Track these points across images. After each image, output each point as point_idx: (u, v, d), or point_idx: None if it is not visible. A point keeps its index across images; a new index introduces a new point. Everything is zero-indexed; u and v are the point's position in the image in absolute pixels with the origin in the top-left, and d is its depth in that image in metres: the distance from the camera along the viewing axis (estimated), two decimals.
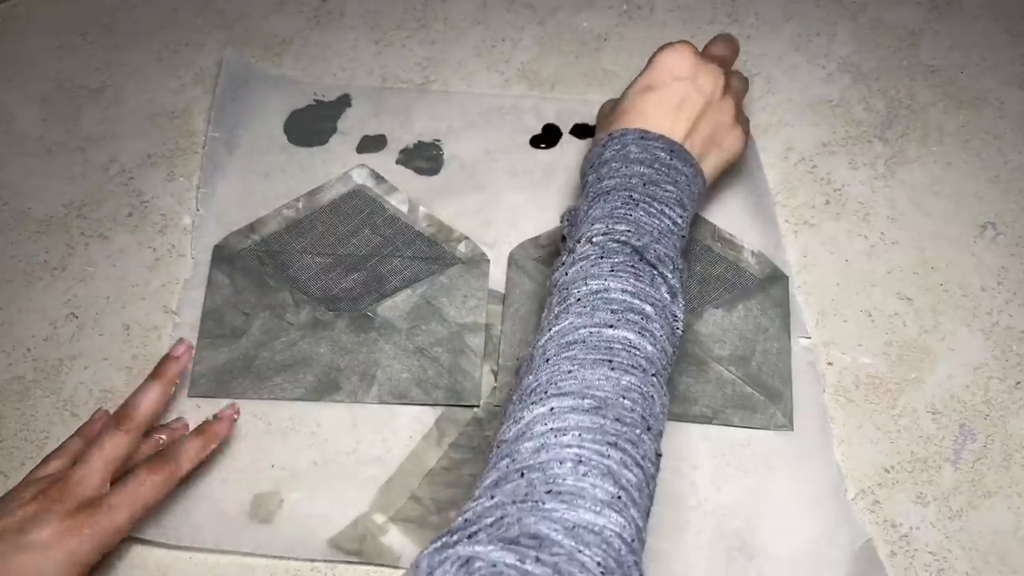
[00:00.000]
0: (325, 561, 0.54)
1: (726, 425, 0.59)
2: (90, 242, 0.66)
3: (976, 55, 0.78)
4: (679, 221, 0.53)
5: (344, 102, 0.74)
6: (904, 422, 0.60)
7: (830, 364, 0.62)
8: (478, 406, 0.60)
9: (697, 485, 0.57)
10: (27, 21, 0.78)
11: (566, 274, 0.50)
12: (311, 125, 0.72)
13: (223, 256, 0.64)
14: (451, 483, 0.57)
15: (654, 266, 0.50)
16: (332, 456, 0.58)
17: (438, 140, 0.72)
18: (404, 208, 0.66)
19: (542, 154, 0.71)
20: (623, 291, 0.48)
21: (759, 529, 0.55)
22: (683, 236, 0.54)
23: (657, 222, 0.52)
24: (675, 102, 0.56)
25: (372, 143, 0.71)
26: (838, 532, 0.55)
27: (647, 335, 0.47)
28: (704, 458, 0.58)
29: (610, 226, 0.51)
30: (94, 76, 0.75)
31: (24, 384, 0.60)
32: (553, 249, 0.65)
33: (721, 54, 0.61)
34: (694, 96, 0.57)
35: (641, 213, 0.52)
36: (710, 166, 0.58)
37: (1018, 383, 0.62)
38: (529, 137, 0.72)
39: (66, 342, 0.62)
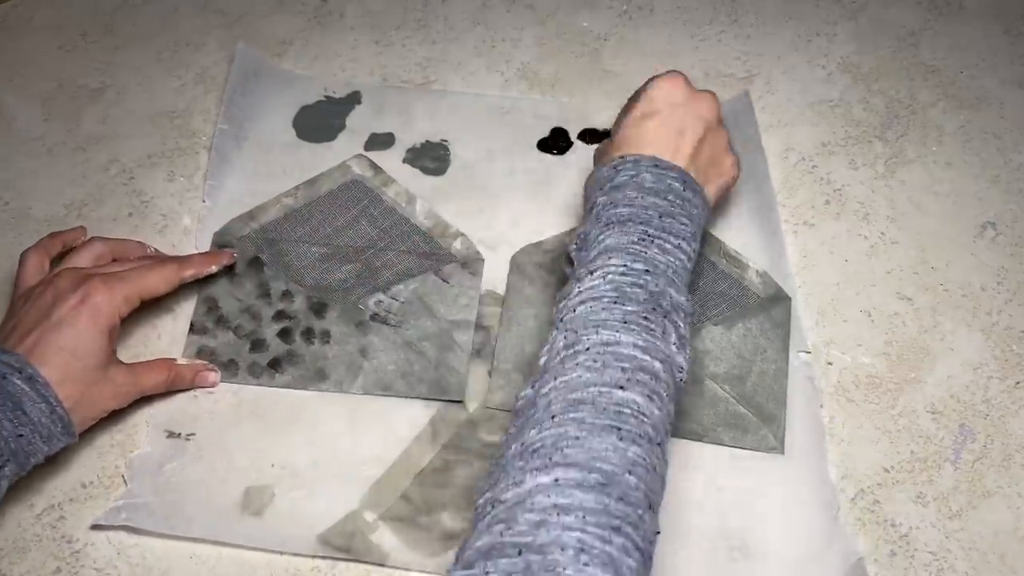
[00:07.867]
0: (324, 558, 0.54)
1: (716, 444, 0.58)
2: None
3: (976, 55, 0.78)
4: (692, 256, 0.53)
5: (354, 99, 0.74)
6: (904, 422, 0.60)
7: (830, 364, 0.62)
8: (462, 401, 0.59)
9: (693, 502, 0.56)
10: (27, 21, 0.78)
11: (574, 310, 0.49)
12: (320, 121, 0.72)
13: (223, 243, 0.65)
14: (442, 484, 0.57)
15: (667, 315, 0.49)
16: (326, 452, 0.58)
17: (445, 140, 0.72)
18: (402, 200, 0.67)
19: (546, 157, 0.71)
20: (635, 346, 0.47)
21: (750, 549, 0.55)
22: (691, 271, 0.53)
23: (672, 260, 0.51)
24: (676, 128, 0.56)
25: (380, 141, 0.71)
26: (829, 551, 0.55)
27: (655, 399, 0.46)
28: (697, 480, 0.57)
29: (626, 263, 0.50)
30: (95, 76, 0.75)
31: None
32: (556, 255, 0.64)
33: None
34: (694, 122, 0.56)
35: (656, 251, 0.51)
36: (711, 191, 0.58)
37: (1018, 383, 0.62)
38: (535, 140, 0.71)
39: None
